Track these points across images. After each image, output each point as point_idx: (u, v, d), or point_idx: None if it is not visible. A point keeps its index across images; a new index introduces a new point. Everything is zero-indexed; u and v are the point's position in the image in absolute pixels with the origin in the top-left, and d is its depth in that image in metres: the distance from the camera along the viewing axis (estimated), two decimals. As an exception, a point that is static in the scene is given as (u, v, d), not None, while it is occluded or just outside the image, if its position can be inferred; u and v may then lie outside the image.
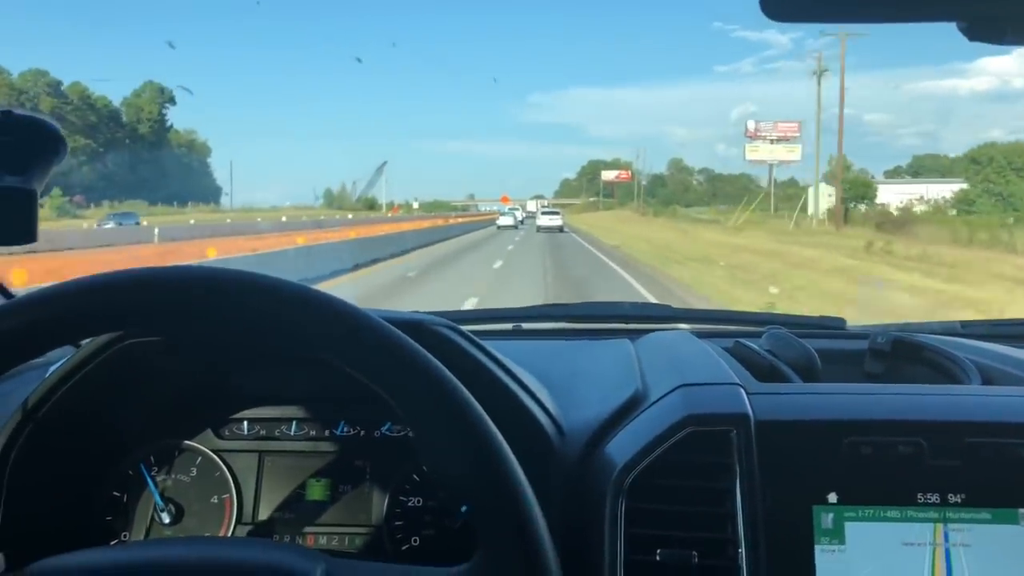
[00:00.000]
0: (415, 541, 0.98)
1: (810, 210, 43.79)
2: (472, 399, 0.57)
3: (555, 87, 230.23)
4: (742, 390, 0.87)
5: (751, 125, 56.14)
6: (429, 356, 0.57)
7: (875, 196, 42.22)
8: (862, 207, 40.99)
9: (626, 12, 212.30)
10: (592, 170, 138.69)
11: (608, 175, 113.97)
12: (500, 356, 0.96)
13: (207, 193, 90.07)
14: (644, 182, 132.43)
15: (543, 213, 48.68)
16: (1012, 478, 0.78)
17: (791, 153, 54.15)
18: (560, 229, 43.09)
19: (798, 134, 54.72)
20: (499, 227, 48.63)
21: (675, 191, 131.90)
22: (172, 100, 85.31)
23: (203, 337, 0.90)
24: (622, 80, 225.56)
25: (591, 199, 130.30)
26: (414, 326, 0.91)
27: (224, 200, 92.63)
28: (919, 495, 0.78)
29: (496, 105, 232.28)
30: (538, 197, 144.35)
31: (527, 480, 0.70)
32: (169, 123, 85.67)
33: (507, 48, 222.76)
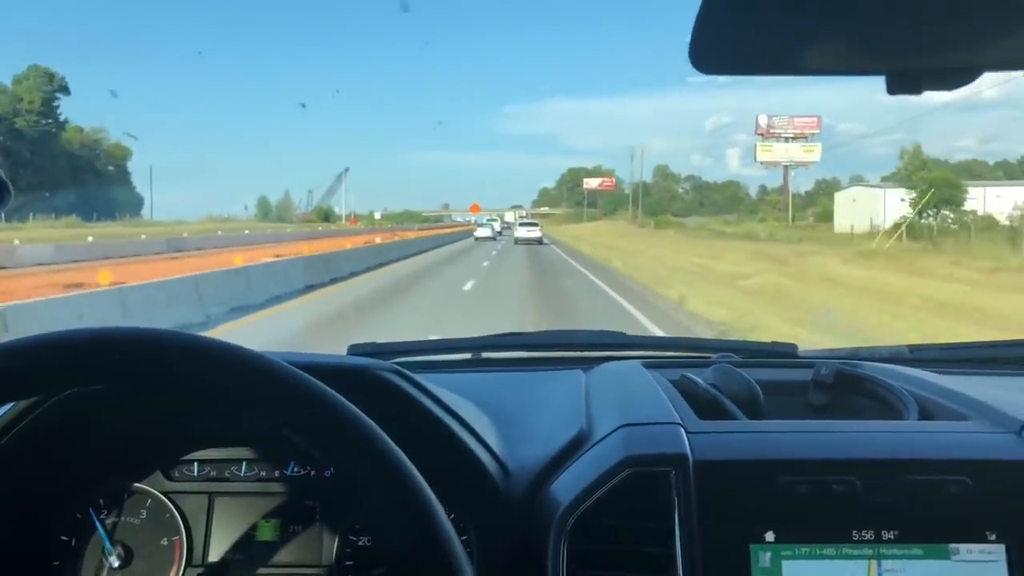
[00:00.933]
0: None
1: (869, 219, 35.34)
2: (412, 470, 0.57)
3: (530, 98, 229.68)
4: (682, 430, 0.90)
5: (763, 120, 48.23)
6: (372, 429, 0.57)
7: (963, 201, 34.05)
8: (947, 214, 32.78)
9: (600, 23, 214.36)
10: (572, 178, 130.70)
11: (591, 183, 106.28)
12: (446, 397, 0.97)
13: (124, 204, 78.42)
14: (627, 190, 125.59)
15: (521, 224, 47.87)
16: (942, 514, 0.80)
17: (809, 153, 46.42)
18: (539, 241, 41.88)
19: (817, 130, 46.76)
20: (477, 239, 47.91)
21: (661, 200, 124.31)
22: (65, 89, 70.27)
23: (152, 394, 0.89)
24: (598, 91, 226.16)
25: (572, 208, 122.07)
26: (359, 373, 0.94)
27: (147, 211, 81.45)
28: (854, 532, 0.80)
29: (472, 116, 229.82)
30: (516, 207, 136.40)
31: (474, 526, 0.85)
32: (63, 117, 70.59)
33: (482, 58, 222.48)
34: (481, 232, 50.83)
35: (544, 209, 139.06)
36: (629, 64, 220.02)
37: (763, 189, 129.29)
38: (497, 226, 63.13)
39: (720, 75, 0.63)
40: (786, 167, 48.72)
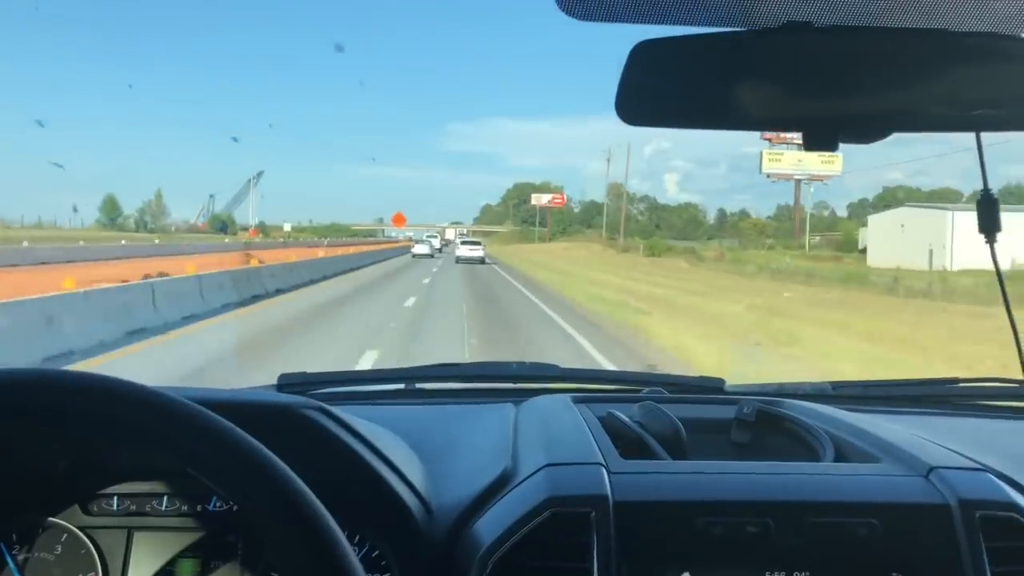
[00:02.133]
0: None
1: (927, 250, 24.99)
2: (318, 507, 0.57)
3: (473, 116, 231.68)
4: (604, 470, 0.91)
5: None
6: (274, 466, 0.57)
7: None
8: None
9: (541, 46, 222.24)
10: (518, 194, 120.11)
11: (540, 199, 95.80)
12: (370, 434, 0.97)
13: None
14: (575, 208, 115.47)
15: (463, 243, 45.70)
16: (851, 555, 0.83)
17: (829, 165, 36.14)
18: (481, 261, 40.34)
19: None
20: (414, 255, 47.16)
21: (616, 220, 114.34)
22: None
23: (52, 433, 0.89)
24: (539, 112, 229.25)
25: (518, 227, 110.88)
26: (279, 411, 0.93)
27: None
28: (767, 573, 0.82)
29: (413, 133, 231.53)
30: (456, 224, 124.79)
31: (397, 565, 0.90)
32: None
33: (424, 77, 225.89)
34: (419, 249, 49.74)
35: (487, 228, 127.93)
36: (569, 88, 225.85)
37: (722, 213, 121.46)
38: (437, 243, 61.52)
39: (644, 127, 0.67)
40: (799, 181, 38.56)
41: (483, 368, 1.71)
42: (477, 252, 40.97)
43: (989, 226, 1.00)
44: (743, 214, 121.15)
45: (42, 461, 0.98)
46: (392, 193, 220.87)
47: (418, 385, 1.58)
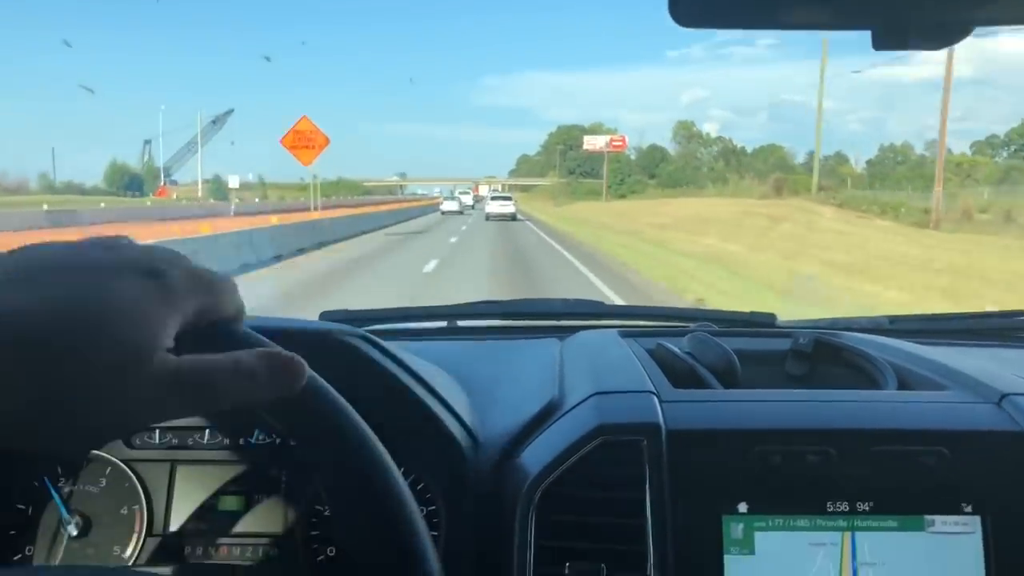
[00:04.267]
0: (330, 552, 0.99)
1: None
2: (375, 440, 0.56)
3: (508, 70, 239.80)
4: (655, 398, 0.91)
5: None
6: (332, 397, 0.55)
7: None
8: None
9: None
10: (563, 139, 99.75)
11: (595, 142, 74.55)
12: (415, 365, 1.00)
13: None
14: (642, 148, 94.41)
15: (492, 198, 45.44)
16: (918, 485, 0.82)
17: None
18: (512, 217, 40.48)
19: None
20: (443, 212, 49.03)
21: (684, 167, 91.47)
22: None
23: None
24: (574, 64, 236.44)
25: (564, 179, 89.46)
26: (321, 337, 0.94)
27: None
28: (828, 504, 0.81)
29: (446, 86, 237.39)
30: (490, 178, 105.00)
31: (442, 496, 0.92)
32: None
33: (458, 30, 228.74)
34: (447, 206, 51.50)
35: (526, 181, 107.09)
36: (606, 37, 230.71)
37: (811, 156, 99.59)
38: (468, 199, 60.69)
39: (700, 28, 0.61)
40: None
41: (526, 305, 1.76)
42: (508, 208, 41.22)
43: None
44: (839, 157, 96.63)
45: None
46: (420, 149, 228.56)
47: (460, 323, 1.62)
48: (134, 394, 0.42)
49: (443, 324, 1.60)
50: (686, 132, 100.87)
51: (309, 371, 0.52)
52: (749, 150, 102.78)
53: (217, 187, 71.77)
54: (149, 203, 52.55)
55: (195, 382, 0.44)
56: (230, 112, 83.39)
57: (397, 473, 0.55)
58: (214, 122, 79.71)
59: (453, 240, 24.39)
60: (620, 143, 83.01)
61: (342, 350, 0.93)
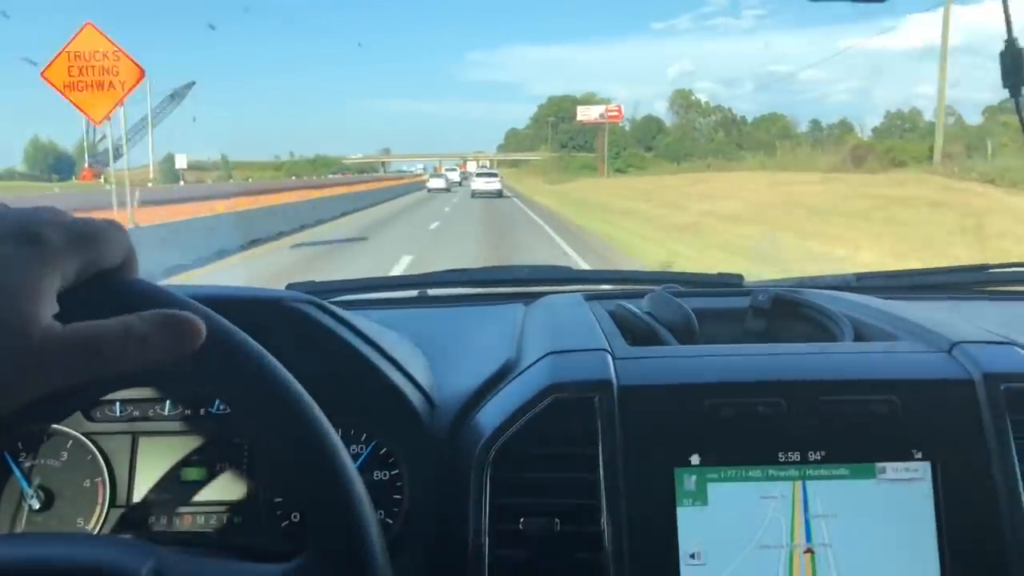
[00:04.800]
0: (295, 517, 1.00)
1: None
2: (301, 392, 0.57)
3: (493, 45, 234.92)
4: (608, 355, 0.93)
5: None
6: (264, 358, 0.56)
7: None
8: None
9: None
10: (554, 110, 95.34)
11: (589, 112, 69.73)
12: (369, 330, 1.02)
13: None
14: (636, 119, 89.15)
15: (478, 175, 45.57)
16: (869, 434, 0.84)
17: None
18: (499, 194, 39.91)
19: None
20: (430, 190, 50.43)
21: (683, 139, 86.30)
22: None
23: None
24: (560, 37, 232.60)
25: (556, 153, 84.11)
26: (271, 305, 0.96)
27: None
28: (780, 454, 0.83)
29: (430, 62, 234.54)
30: (479, 153, 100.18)
31: (402, 458, 0.94)
32: None
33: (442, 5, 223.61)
34: (434, 183, 52.87)
35: (516, 155, 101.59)
36: (590, 9, 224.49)
37: (815, 125, 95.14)
38: (456, 176, 62.96)
39: None
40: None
41: (495, 272, 1.82)
42: (494, 185, 40.65)
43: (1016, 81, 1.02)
44: (843, 125, 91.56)
45: None
46: (406, 124, 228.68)
47: (429, 292, 1.64)
48: (19, 367, 0.41)
49: (413, 294, 1.62)
50: (683, 101, 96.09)
51: (222, 328, 0.52)
52: (749, 120, 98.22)
53: (169, 168, 66.13)
54: (58, 189, 46.63)
55: (83, 349, 0.43)
56: (191, 85, 76.63)
57: (333, 437, 0.55)
58: (172, 96, 72.96)
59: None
60: (616, 113, 79.47)
61: (294, 317, 0.94)
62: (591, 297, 1.31)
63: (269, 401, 0.55)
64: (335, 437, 0.57)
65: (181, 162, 63.49)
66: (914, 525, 0.82)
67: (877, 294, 1.33)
